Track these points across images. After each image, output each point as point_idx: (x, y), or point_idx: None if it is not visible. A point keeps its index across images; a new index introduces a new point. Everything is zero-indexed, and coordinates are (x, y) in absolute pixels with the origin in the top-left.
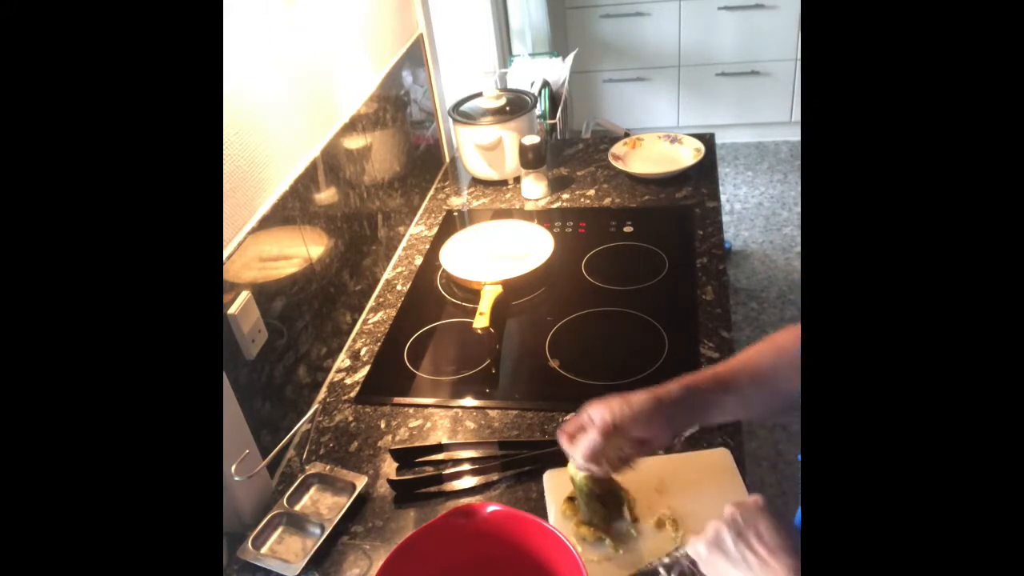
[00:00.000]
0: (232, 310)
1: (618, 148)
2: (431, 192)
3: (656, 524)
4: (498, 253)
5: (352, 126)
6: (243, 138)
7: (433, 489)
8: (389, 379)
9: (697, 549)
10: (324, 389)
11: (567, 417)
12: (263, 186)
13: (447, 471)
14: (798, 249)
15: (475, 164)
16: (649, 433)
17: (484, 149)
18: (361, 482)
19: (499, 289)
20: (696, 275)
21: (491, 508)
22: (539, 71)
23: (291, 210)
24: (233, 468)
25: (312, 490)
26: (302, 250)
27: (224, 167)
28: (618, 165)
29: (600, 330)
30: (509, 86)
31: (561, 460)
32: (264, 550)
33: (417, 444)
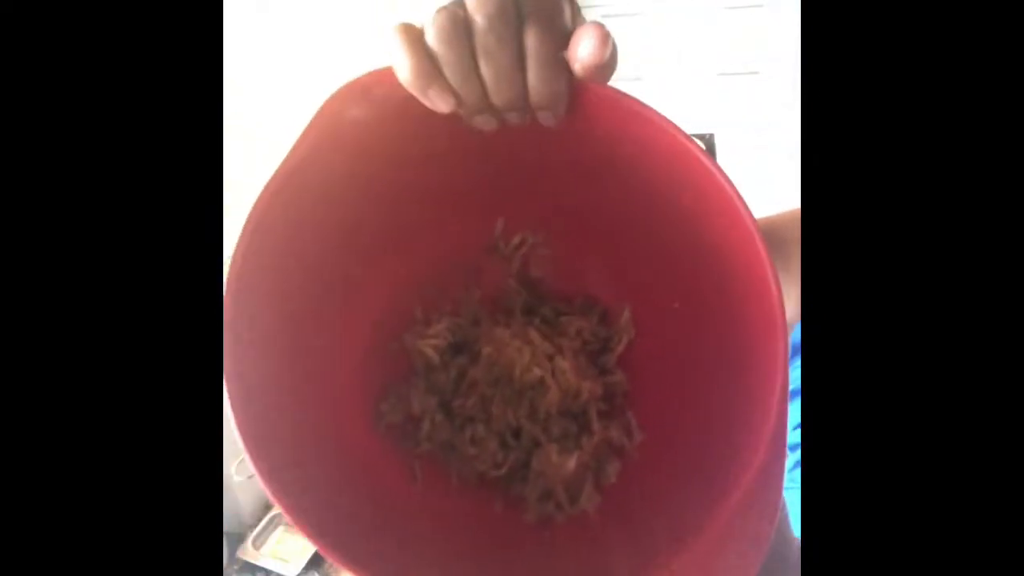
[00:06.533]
0: None
1: None
2: None
3: None
4: None
5: None
6: (243, 138)
7: None
8: None
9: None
10: None
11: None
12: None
13: None
14: None
15: None
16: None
17: None
18: None
19: None
20: None
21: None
22: None
23: None
24: (233, 468)
25: None
26: None
27: (224, 167)
28: None
29: None
30: None
31: None
32: (264, 550)
33: None
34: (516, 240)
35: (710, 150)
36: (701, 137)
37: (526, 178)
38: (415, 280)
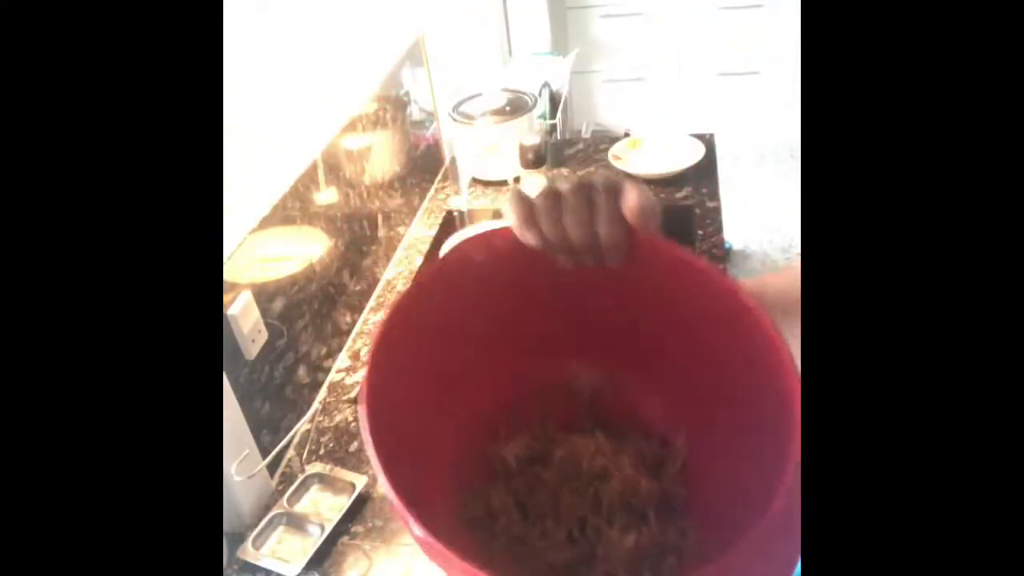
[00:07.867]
0: (232, 310)
1: (618, 148)
2: (431, 192)
3: None
4: None
5: (352, 126)
6: (243, 138)
7: None
8: None
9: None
10: (324, 389)
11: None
12: (263, 186)
13: None
14: (798, 249)
15: (475, 164)
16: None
17: (484, 150)
18: (361, 482)
19: None
20: None
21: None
22: (540, 71)
23: (291, 210)
24: (233, 468)
25: (312, 490)
26: (302, 250)
27: (224, 167)
28: (618, 165)
29: None
30: (509, 86)
31: None
32: (264, 550)
33: None
34: (586, 378)
35: (710, 150)
36: (701, 137)
37: (596, 322)
38: (499, 403)
